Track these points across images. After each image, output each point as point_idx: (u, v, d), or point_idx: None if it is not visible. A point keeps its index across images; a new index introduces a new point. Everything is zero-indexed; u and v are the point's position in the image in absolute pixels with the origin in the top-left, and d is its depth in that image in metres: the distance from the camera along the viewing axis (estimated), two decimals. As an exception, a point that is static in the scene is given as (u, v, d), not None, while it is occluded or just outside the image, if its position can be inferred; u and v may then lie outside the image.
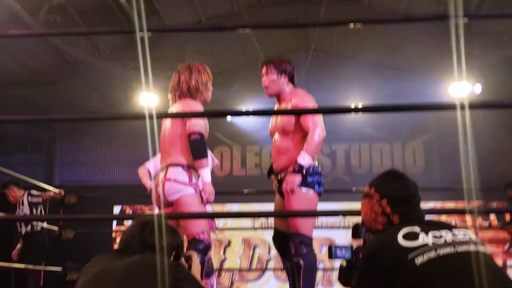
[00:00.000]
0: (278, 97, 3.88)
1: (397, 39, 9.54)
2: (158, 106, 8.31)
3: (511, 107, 2.32)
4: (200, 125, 3.53)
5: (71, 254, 5.97)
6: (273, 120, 3.96)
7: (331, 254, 2.39)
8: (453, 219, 9.44)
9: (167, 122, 3.67)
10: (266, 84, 3.86)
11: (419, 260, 1.83)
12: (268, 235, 10.54)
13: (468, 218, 8.98)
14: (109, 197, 9.14)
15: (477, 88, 8.59)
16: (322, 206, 3.86)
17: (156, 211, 3.60)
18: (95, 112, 10.44)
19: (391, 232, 1.97)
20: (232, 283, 10.13)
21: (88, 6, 7.91)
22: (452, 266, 1.83)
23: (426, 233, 1.92)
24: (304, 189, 3.59)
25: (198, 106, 3.64)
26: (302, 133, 3.71)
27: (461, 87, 8.47)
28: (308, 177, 3.61)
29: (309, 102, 3.73)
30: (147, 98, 8.53)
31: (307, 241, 3.57)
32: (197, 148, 3.49)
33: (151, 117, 2.47)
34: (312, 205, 3.60)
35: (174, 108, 3.70)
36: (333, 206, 8.44)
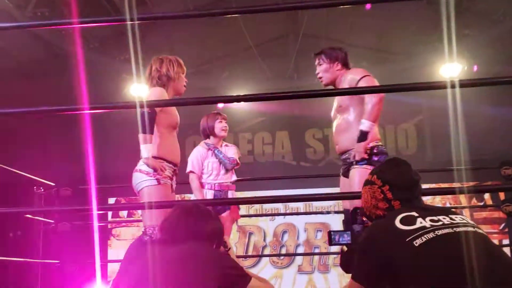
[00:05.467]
0: (334, 84, 3.84)
1: (386, 21, 9.52)
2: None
3: (499, 83, 2.33)
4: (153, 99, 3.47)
5: (67, 246, 5.95)
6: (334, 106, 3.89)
7: (331, 240, 2.37)
8: (447, 201, 9.48)
9: None
10: (320, 75, 3.83)
11: (417, 242, 1.85)
12: (263, 222, 10.60)
13: (462, 199, 9.03)
14: (104, 189, 9.10)
15: (473, 69, 8.59)
16: (318, 192, 3.85)
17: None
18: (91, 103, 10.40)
19: (389, 218, 1.99)
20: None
21: (76, -2, 7.85)
22: (451, 244, 1.85)
23: (424, 218, 1.93)
24: (369, 168, 3.46)
25: (158, 91, 3.57)
26: (360, 107, 3.68)
27: (452, 68, 8.48)
28: (373, 156, 3.57)
29: (362, 74, 3.69)
30: (138, 89, 8.50)
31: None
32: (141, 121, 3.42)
33: (141, 106, 2.46)
34: None
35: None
36: (328, 191, 8.45)
